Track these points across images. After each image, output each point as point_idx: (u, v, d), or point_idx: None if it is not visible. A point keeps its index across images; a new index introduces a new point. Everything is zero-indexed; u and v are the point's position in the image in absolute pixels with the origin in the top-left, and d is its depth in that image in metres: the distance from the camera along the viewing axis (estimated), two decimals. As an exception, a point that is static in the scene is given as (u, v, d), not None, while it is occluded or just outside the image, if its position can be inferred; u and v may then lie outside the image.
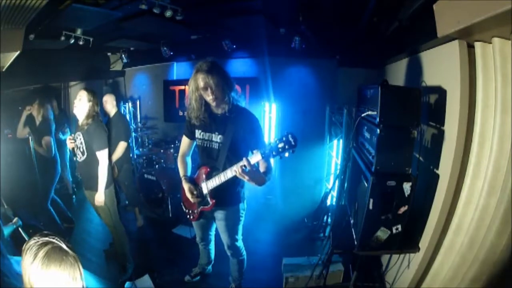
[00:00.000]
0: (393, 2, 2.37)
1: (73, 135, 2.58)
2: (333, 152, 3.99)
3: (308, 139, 4.23)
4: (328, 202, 3.74)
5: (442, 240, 1.75)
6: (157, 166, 4.48)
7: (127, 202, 4.00)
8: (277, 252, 3.12)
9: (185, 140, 2.17)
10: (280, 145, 1.61)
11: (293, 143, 1.59)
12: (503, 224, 1.41)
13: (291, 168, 4.41)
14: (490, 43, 1.42)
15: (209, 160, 2.02)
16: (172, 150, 4.60)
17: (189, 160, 2.21)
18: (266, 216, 4.08)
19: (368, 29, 3.17)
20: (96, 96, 2.53)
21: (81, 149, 2.52)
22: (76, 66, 5.27)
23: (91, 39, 3.75)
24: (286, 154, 1.63)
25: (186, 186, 2.05)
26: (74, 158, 2.63)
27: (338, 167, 3.74)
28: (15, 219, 2.09)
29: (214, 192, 2.01)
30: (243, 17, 3.35)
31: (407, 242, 1.87)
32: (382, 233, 1.73)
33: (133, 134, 5.18)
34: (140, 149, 5.43)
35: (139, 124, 5.67)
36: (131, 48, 5.27)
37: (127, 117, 5.09)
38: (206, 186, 2.02)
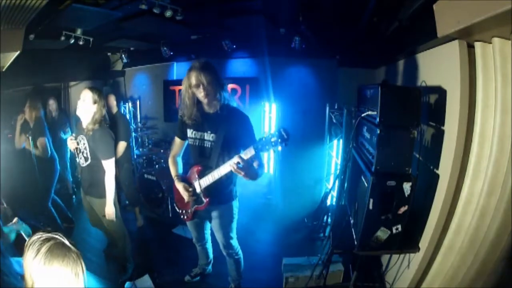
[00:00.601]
0: (393, 2, 2.36)
1: (73, 135, 2.48)
2: (333, 152, 3.99)
3: (308, 139, 4.24)
4: (328, 202, 3.74)
5: (442, 240, 1.75)
6: (157, 166, 4.48)
7: (127, 202, 4.00)
8: (277, 252, 3.12)
9: (177, 141, 2.19)
10: (273, 139, 1.69)
11: (285, 136, 1.67)
12: (503, 224, 1.41)
13: (291, 168, 4.41)
14: (490, 43, 1.42)
15: (202, 158, 2.05)
16: (172, 150, 4.60)
17: (180, 160, 2.23)
18: (266, 216, 4.08)
19: (368, 29, 3.16)
20: (102, 97, 2.33)
21: (85, 154, 2.37)
22: (76, 66, 5.27)
23: (91, 39, 3.75)
24: (279, 148, 1.73)
25: (180, 185, 2.07)
26: (77, 161, 2.50)
27: (338, 167, 3.74)
28: (15, 219, 2.08)
29: (208, 190, 2.04)
30: (243, 17, 3.35)
31: (407, 242, 1.87)
32: (382, 233, 1.73)
33: (133, 134, 5.18)
34: (140, 149, 5.43)
35: (139, 124, 5.67)
36: (131, 48, 5.27)
37: (127, 117, 5.08)
38: (199, 185, 2.04)
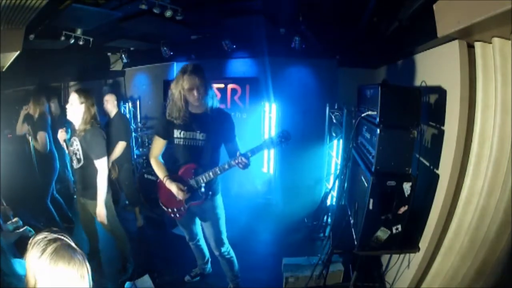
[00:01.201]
0: (393, 2, 2.36)
1: (64, 128, 2.46)
2: (333, 152, 3.99)
3: (308, 139, 4.24)
4: (328, 202, 3.74)
5: (442, 240, 1.75)
6: (157, 166, 4.48)
7: (127, 202, 4.00)
8: (277, 252, 3.12)
9: (159, 141, 2.21)
10: (277, 139, 1.97)
11: (288, 137, 1.98)
12: (503, 224, 1.41)
13: (291, 168, 4.41)
14: (490, 43, 1.42)
15: (193, 157, 2.14)
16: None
17: (162, 160, 2.27)
18: (266, 216, 4.08)
19: (368, 29, 3.17)
20: (89, 97, 2.34)
21: (78, 156, 2.39)
22: (76, 66, 5.27)
23: (91, 39, 3.75)
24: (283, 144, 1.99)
25: (173, 185, 2.11)
26: (71, 164, 2.51)
27: (338, 167, 3.74)
28: (15, 219, 2.08)
29: (205, 186, 2.15)
30: (243, 17, 3.34)
31: (407, 242, 1.87)
32: (382, 233, 1.73)
33: (133, 134, 5.17)
34: (140, 149, 5.43)
35: (139, 124, 5.67)
36: (131, 48, 5.27)
37: (127, 117, 5.08)
38: (196, 182, 2.13)
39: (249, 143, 2.11)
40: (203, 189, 2.14)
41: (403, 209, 1.68)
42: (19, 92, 4.56)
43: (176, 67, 5.45)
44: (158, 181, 2.28)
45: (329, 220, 3.59)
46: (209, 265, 2.78)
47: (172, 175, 2.17)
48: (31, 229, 2.02)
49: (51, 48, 4.11)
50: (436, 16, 1.60)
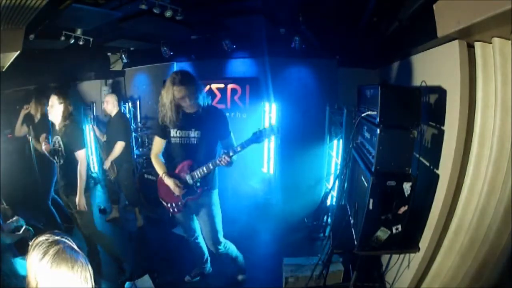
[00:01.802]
0: (393, 2, 2.37)
1: (46, 140, 2.61)
2: (333, 152, 3.99)
3: (308, 139, 4.24)
4: (328, 202, 3.74)
5: (442, 240, 1.74)
6: (157, 166, 4.47)
7: (127, 202, 4.00)
8: (277, 252, 3.12)
9: (158, 140, 2.35)
10: (264, 132, 2.02)
11: (275, 131, 2.03)
12: (503, 224, 1.41)
13: (291, 168, 4.41)
14: (490, 43, 1.42)
15: (188, 154, 2.24)
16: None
17: (162, 157, 2.38)
18: (266, 216, 4.08)
19: (368, 29, 3.17)
20: (66, 97, 2.55)
21: (60, 153, 2.52)
22: (76, 66, 5.27)
23: (91, 39, 3.75)
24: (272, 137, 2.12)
25: (170, 181, 2.22)
26: (55, 163, 2.61)
27: (338, 167, 3.74)
28: (15, 218, 2.08)
29: (200, 181, 2.25)
30: (243, 17, 3.34)
31: (407, 242, 1.87)
32: (382, 233, 1.73)
33: (133, 134, 5.17)
34: (140, 149, 5.43)
35: (139, 124, 5.67)
36: (131, 48, 5.27)
37: (127, 117, 5.08)
38: (191, 177, 2.23)
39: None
40: (198, 184, 2.25)
41: (403, 209, 1.68)
42: (19, 92, 4.55)
43: (176, 67, 5.46)
44: (158, 178, 2.37)
45: (329, 220, 3.59)
46: (208, 264, 2.78)
47: (170, 172, 2.28)
48: (31, 229, 2.02)
49: (51, 48, 4.11)
50: (436, 16, 1.60)
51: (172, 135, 2.26)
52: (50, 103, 2.48)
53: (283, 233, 3.67)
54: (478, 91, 1.50)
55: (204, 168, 2.18)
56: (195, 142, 2.23)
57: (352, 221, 2.14)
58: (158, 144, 2.34)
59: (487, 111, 1.48)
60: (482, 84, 1.48)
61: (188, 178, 2.24)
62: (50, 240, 0.93)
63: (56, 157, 2.56)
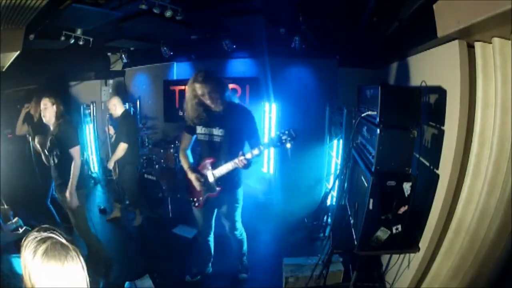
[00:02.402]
0: (393, 2, 2.37)
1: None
2: (333, 152, 3.99)
3: (308, 139, 4.23)
4: (328, 202, 3.74)
5: (442, 240, 1.74)
6: (157, 166, 4.48)
7: (127, 202, 4.00)
8: (277, 252, 3.12)
9: (186, 136, 2.41)
10: (283, 137, 2.01)
11: (294, 135, 2.01)
12: (503, 224, 1.41)
13: (291, 168, 4.41)
14: (490, 43, 1.42)
15: (212, 151, 2.29)
16: (172, 150, 4.59)
17: (189, 153, 2.43)
18: (266, 216, 4.08)
19: (368, 29, 3.17)
20: (57, 97, 2.59)
21: (55, 152, 2.55)
22: (76, 66, 5.26)
23: (91, 39, 3.75)
24: (288, 145, 2.03)
25: (193, 175, 2.29)
26: (51, 164, 2.63)
27: (338, 167, 3.74)
28: (15, 219, 2.09)
29: (220, 179, 2.29)
30: (243, 17, 3.35)
31: (407, 242, 1.87)
32: (382, 233, 1.73)
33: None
34: (140, 149, 5.42)
35: (139, 124, 5.67)
36: (131, 48, 5.27)
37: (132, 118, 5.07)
38: (213, 175, 2.28)
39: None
40: (218, 182, 2.29)
41: (403, 209, 1.68)
42: (19, 92, 4.55)
43: (176, 67, 5.46)
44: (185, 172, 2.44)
45: (329, 220, 3.59)
46: (210, 264, 2.78)
47: (194, 167, 2.36)
48: (31, 229, 2.02)
49: (51, 48, 4.11)
50: (436, 16, 1.60)
51: (197, 131, 2.32)
52: (42, 106, 2.53)
53: (283, 233, 3.67)
54: (478, 91, 1.50)
55: (224, 167, 2.21)
56: (218, 140, 2.26)
57: (352, 221, 2.14)
58: (185, 139, 2.41)
59: (487, 111, 1.48)
60: (482, 84, 1.48)
61: (209, 175, 2.29)
62: (38, 239, 0.92)
63: (51, 157, 2.59)
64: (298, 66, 4.49)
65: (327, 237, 3.14)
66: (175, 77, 5.47)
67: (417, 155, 1.91)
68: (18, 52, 2.78)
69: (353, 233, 2.03)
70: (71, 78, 5.66)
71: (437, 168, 1.82)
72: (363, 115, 1.88)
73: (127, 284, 2.50)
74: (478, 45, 1.49)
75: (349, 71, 4.22)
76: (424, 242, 1.83)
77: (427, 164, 1.95)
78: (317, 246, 3.36)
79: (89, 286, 0.99)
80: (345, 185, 2.62)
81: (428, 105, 1.97)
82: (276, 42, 4.10)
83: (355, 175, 2.22)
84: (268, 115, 4.54)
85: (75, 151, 2.51)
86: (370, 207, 1.68)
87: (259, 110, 4.51)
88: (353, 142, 2.20)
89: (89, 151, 5.49)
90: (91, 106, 5.37)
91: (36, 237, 0.93)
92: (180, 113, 5.31)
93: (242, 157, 2.09)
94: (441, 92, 1.80)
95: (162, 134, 5.65)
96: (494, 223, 1.43)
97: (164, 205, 3.94)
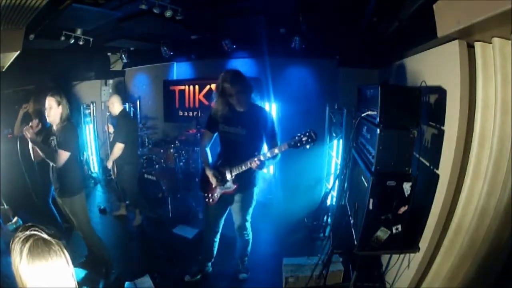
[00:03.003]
0: (393, 2, 2.37)
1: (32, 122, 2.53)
2: (333, 152, 3.98)
3: (308, 139, 4.22)
4: (328, 202, 3.74)
5: (442, 240, 1.74)
6: (157, 166, 4.48)
7: (127, 202, 4.00)
8: (277, 252, 3.12)
9: (207, 133, 2.49)
10: (304, 139, 2.06)
11: (314, 137, 2.05)
12: (503, 224, 1.41)
13: (291, 168, 4.40)
14: (490, 43, 1.42)
15: (232, 150, 2.36)
16: (172, 150, 4.58)
17: (209, 150, 2.50)
18: (266, 216, 4.08)
19: (368, 29, 3.17)
20: (63, 97, 2.52)
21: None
22: (76, 66, 5.26)
23: (91, 39, 3.75)
24: (308, 146, 2.07)
25: (210, 172, 2.37)
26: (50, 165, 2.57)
27: (338, 167, 3.74)
28: (15, 219, 2.09)
29: (237, 177, 2.35)
30: (243, 17, 3.35)
31: (407, 242, 1.86)
32: (382, 233, 1.73)
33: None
34: (140, 149, 5.42)
35: (139, 124, 5.67)
36: (131, 48, 5.27)
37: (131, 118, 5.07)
38: (230, 173, 2.34)
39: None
40: (235, 180, 2.34)
41: (403, 209, 1.68)
42: (19, 92, 4.55)
43: (176, 67, 5.46)
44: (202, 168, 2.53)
45: (329, 220, 3.59)
46: (210, 264, 2.79)
47: (213, 164, 2.43)
48: None
49: (51, 48, 4.11)
50: (436, 16, 1.60)
51: (220, 129, 2.38)
52: (47, 105, 2.44)
53: (283, 233, 3.67)
54: (478, 91, 1.50)
55: (243, 166, 2.27)
56: (240, 139, 2.33)
57: (352, 221, 2.14)
58: (206, 136, 2.48)
59: (487, 111, 1.47)
60: (482, 84, 1.48)
61: (227, 172, 2.34)
62: (22, 239, 0.92)
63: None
64: (298, 66, 4.49)
65: (327, 237, 3.14)
66: (175, 77, 5.47)
67: (417, 155, 1.90)
68: (18, 52, 2.78)
69: (353, 233, 2.03)
70: (71, 78, 5.66)
71: (437, 168, 1.82)
72: (363, 115, 1.88)
73: (127, 284, 2.50)
74: (478, 45, 1.49)
75: (349, 71, 4.22)
76: (424, 242, 1.83)
77: (427, 164, 1.95)
78: (317, 246, 3.35)
79: (75, 280, 0.99)
80: (345, 185, 2.62)
81: (428, 105, 1.97)
82: (276, 42, 4.10)
83: (355, 175, 2.21)
84: (268, 115, 4.53)
85: (63, 153, 2.42)
86: (370, 207, 1.68)
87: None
88: (353, 142, 2.20)
89: (89, 151, 5.49)
90: (91, 106, 5.37)
91: (20, 238, 0.93)
92: (180, 113, 5.32)
93: (261, 156, 2.18)
94: (441, 92, 1.80)
95: (162, 134, 5.65)
96: (494, 223, 1.43)
97: (164, 205, 3.94)
